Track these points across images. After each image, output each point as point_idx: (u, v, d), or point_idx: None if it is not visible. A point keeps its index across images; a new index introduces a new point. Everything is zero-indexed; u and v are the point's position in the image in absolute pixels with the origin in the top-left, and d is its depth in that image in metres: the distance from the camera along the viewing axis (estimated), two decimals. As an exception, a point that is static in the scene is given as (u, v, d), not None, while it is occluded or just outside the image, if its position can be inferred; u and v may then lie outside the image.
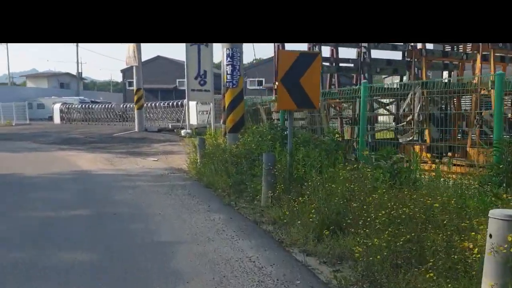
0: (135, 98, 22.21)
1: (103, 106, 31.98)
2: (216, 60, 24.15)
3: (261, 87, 52.88)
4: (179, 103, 26.18)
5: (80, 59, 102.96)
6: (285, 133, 8.24)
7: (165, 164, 12.33)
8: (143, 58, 22.76)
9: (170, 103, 27.33)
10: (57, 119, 33.28)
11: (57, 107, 33.67)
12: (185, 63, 21.62)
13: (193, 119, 23.54)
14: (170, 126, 23.58)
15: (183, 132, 21.97)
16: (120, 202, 7.25)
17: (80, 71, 62.28)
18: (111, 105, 31.71)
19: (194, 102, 23.59)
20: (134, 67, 22.08)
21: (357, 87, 8.93)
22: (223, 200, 7.30)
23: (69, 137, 20.90)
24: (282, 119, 8.67)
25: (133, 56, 21.63)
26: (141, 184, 8.79)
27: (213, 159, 9.07)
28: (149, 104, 27.38)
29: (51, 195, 7.84)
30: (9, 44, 61.78)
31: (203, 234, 5.35)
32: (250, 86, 54.40)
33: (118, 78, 75.23)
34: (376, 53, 13.30)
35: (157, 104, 28.49)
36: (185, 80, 22.02)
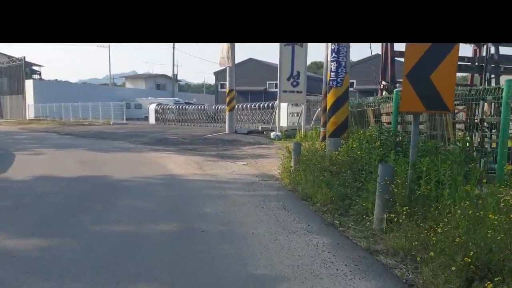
0: (227, 99, 21.59)
1: (196, 107, 31.90)
2: (310, 60, 22.77)
3: (352, 88, 50.80)
4: (270, 104, 25.31)
5: (176, 61, 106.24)
6: (399, 139, 6.94)
7: (255, 170, 11.39)
8: (236, 61, 22.13)
9: (260, 105, 26.55)
10: (152, 119, 33.69)
11: (152, 107, 34.11)
12: (278, 64, 20.70)
13: (283, 121, 22.57)
14: (260, 128, 22.75)
15: (272, 134, 21.06)
16: (209, 216, 6.33)
17: (175, 73, 63.57)
18: (204, 107, 31.56)
19: (285, 104, 22.58)
20: (227, 68, 21.47)
21: (480, 87, 7.47)
22: (324, 218, 6.15)
23: (162, 138, 20.68)
24: (394, 122, 7.34)
25: (227, 56, 21.03)
26: (231, 194, 7.85)
27: (310, 166, 7.95)
28: (239, 106, 26.78)
29: (138, 204, 7.12)
30: (111, 47, 64.42)
31: (307, 267, 4.24)
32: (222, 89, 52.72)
33: (211, 80, 76.26)
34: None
35: (247, 105, 27.84)
36: (278, 81, 21.13)
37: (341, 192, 6.49)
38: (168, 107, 33.87)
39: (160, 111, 33.61)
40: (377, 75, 13.47)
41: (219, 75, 55.62)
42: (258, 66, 55.27)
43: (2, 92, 47.27)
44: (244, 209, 6.72)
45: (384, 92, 11.89)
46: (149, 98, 47.73)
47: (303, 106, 21.89)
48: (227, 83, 21.61)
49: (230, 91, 21.48)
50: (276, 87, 53.61)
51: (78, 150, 15.32)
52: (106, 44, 71.29)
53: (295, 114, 23.49)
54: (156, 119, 33.44)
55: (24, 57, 43.44)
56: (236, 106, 27.79)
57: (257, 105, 26.63)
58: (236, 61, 31.13)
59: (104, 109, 34.57)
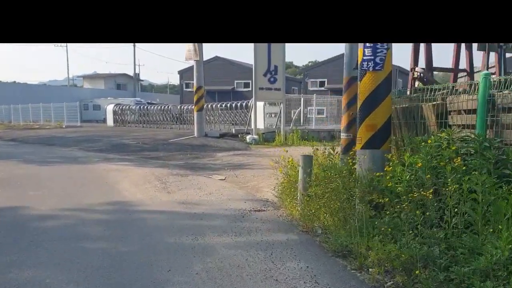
0: (195, 98, 18.54)
1: (159, 107, 28.68)
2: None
3: (323, 88, 48.61)
4: (243, 104, 22.37)
5: (138, 61, 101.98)
6: (498, 153, 4.13)
7: (239, 188, 8.51)
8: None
9: (232, 105, 23.57)
10: (110, 122, 30.26)
11: (110, 108, 30.66)
12: (254, 58, 17.82)
13: (260, 123, 19.67)
14: (233, 131, 19.80)
15: (248, 138, 18.20)
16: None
17: (137, 72, 59.80)
18: (168, 107, 28.36)
19: (261, 103, 19.70)
20: (194, 63, 18.43)
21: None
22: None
23: (119, 143, 17.50)
24: (481, 125, 4.49)
25: (194, 49, 17.98)
26: (214, 243, 4.86)
27: (334, 193, 5.11)
28: (208, 106, 23.75)
29: (51, 279, 3.96)
30: (70, 47, 60.33)
31: None
32: (312, 87, 50.40)
33: (176, 81, 72.75)
34: None
35: (216, 105, 24.84)
36: (253, 77, 18.29)
37: (421, 252, 3.61)
38: (128, 107, 30.50)
39: (119, 112, 30.19)
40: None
41: (184, 74, 52.37)
42: (225, 64, 52.16)
43: None
44: (243, 283, 3.79)
45: (417, 83, 9.24)
46: (109, 98, 44.11)
47: (282, 105, 19.08)
48: (194, 79, 18.58)
49: (198, 88, 18.45)
50: (245, 87, 51.07)
51: (10, 161, 12.01)
52: (64, 44, 66.98)
53: (273, 115, 20.64)
54: (115, 121, 30.01)
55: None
56: (206, 106, 24.83)
57: (228, 105, 23.63)
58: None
59: (57, 110, 30.92)
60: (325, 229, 5.14)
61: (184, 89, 53.04)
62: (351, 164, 5.42)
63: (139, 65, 78.43)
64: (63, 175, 9.59)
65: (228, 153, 14.91)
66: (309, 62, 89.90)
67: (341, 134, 6.39)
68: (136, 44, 58.00)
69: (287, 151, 7.79)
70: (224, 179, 9.67)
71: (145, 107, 29.94)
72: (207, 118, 24.25)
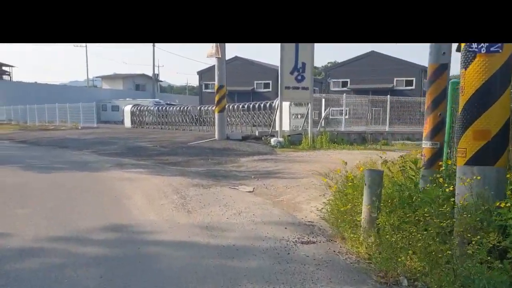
0: (216, 98, 17.03)
1: (178, 108, 27.25)
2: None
3: (345, 88, 46.82)
4: (267, 104, 20.78)
5: (158, 62, 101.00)
6: None
7: (271, 203, 6.96)
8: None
9: (255, 105, 21.99)
10: (127, 123, 28.91)
11: (127, 109, 29.29)
12: (280, 55, 16.27)
13: (285, 125, 18.07)
14: (256, 133, 18.23)
15: (273, 140, 16.65)
16: None
17: (156, 73, 58.64)
18: (187, 108, 26.91)
19: (287, 103, 18.10)
20: (216, 61, 16.91)
21: None
22: None
23: (135, 146, 16.08)
24: None
25: (216, 46, 16.48)
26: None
27: (421, 227, 3.54)
28: (230, 107, 22.23)
29: None
30: (90, 48, 59.51)
31: None
32: (334, 87, 48.74)
33: (195, 82, 71.51)
34: None
35: (238, 106, 23.29)
36: (279, 76, 16.75)
37: None
38: (146, 108, 29.13)
39: (137, 113, 28.81)
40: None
41: (204, 74, 51.07)
42: (245, 65, 50.63)
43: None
44: None
45: None
46: (128, 99, 42.94)
47: (309, 105, 17.48)
48: (215, 78, 17.07)
49: (220, 87, 16.94)
50: (265, 88, 49.46)
51: (9, 167, 10.58)
52: (84, 44, 66.18)
53: (299, 116, 19.04)
54: (132, 122, 28.65)
55: (-14, 54, 38.11)
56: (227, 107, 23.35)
57: (250, 106, 22.05)
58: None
59: (73, 111, 29.69)
60: (412, 279, 3.55)
61: (204, 90, 51.71)
62: (446, 185, 3.79)
63: (158, 66, 77.40)
64: (65, 185, 8.10)
65: (253, 158, 13.37)
66: (328, 62, 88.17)
67: (424, 142, 4.75)
68: (156, 44, 56.84)
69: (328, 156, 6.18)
70: (253, 191, 8.13)
71: (164, 108, 28.57)
72: (228, 119, 22.77)
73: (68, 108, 29.89)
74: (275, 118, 17.99)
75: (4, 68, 53.70)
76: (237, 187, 8.41)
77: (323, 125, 19.39)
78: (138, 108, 29.14)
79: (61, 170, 10.11)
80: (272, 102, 19.99)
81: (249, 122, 22.72)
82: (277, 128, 17.31)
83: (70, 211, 6.13)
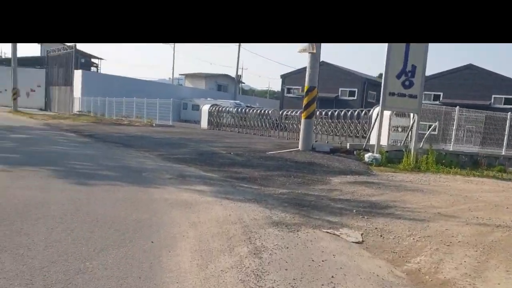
0: (305, 101, 14.14)
1: (257, 111, 24.71)
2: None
3: (437, 102, 42.23)
4: (361, 113, 17.60)
5: (242, 64, 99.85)
6: None
7: (407, 279, 4.01)
8: (304, 64, 14.76)
9: (348, 113, 18.86)
10: (204, 123, 26.81)
11: (205, 109, 27.19)
12: (386, 55, 13.17)
13: (383, 138, 14.85)
14: (348, 146, 15.15)
15: (367, 156, 13.53)
16: None
17: (239, 74, 56.75)
18: (267, 111, 24.30)
19: (387, 114, 14.88)
20: (308, 57, 14.03)
21: None
22: None
23: (207, 151, 13.62)
24: None
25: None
26: None
27: None
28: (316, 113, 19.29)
29: None
30: (178, 48, 58.96)
31: None
32: (424, 100, 44.20)
33: (276, 87, 69.29)
34: None
35: (326, 112, 20.27)
36: (382, 79, 13.66)
37: None
38: (224, 109, 26.87)
39: (215, 113, 26.63)
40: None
41: (287, 78, 48.42)
42: (330, 70, 47.29)
43: (51, 83, 42.07)
44: None
45: None
46: (208, 99, 41.25)
47: (416, 117, 14.17)
48: (306, 77, 14.18)
49: (310, 89, 14.05)
50: (350, 95, 45.97)
51: (47, 171, 8.30)
52: (172, 43, 65.90)
53: (399, 129, 15.76)
54: (209, 123, 26.50)
55: (75, 45, 37.72)
56: (297, 112, 20.46)
57: (342, 113, 18.93)
58: (304, 64, 24.57)
59: (150, 107, 28.00)
60: None
61: (285, 94, 49.01)
62: None
63: (242, 68, 75.62)
64: (92, 212, 5.52)
65: (346, 178, 10.40)
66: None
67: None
68: (242, 45, 55.11)
69: None
70: (362, 243, 5.22)
71: (243, 110, 26.19)
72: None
73: (146, 104, 28.27)
74: (371, 130, 14.83)
75: (93, 60, 54.16)
76: (337, 232, 5.52)
77: (428, 141, 15.94)
78: (217, 108, 26.97)
79: (102, 181, 7.66)
80: (368, 110, 16.83)
81: (333, 132, 19.69)
82: (374, 142, 14.18)
83: (75, 273, 3.51)
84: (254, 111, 25.29)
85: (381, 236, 5.56)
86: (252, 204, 6.70)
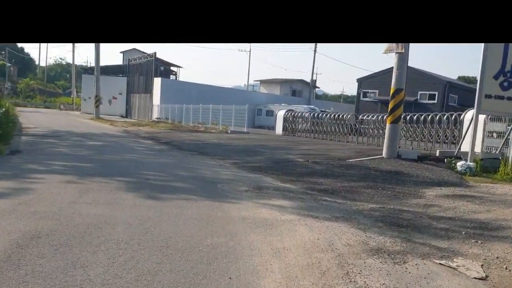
0: (391, 104, 12.94)
1: (333, 116, 23.56)
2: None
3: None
4: (451, 117, 16.02)
5: (316, 69, 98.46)
6: None
7: None
8: (381, 67, 13.61)
9: (436, 117, 17.31)
10: (279, 129, 26.05)
11: (280, 114, 26.45)
12: (482, 55, 11.70)
13: (476, 145, 13.26)
14: (437, 153, 13.67)
15: (460, 165, 12.07)
16: None
17: (314, 78, 55.57)
18: (343, 115, 23.10)
19: (482, 118, 13.28)
20: (395, 58, 12.86)
21: None
22: None
23: (283, 159, 12.82)
24: None
25: (396, 39, 12.46)
26: None
27: None
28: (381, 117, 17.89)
29: None
30: (253, 54, 58.94)
31: None
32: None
33: (350, 91, 67.45)
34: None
35: (410, 117, 18.78)
36: (478, 80, 12.17)
37: None
38: (299, 114, 25.94)
39: (290, 119, 25.78)
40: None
41: (363, 82, 46.63)
42: (409, 73, 44.93)
43: (132, 91, 43.21)
44: None
45: None
46: (283, 104, 40.52)
47: (516, 121, 12.53)
48: (393, 79, 13.02)
49: (397, 91, 12.85)
50: (430, 99, 43.36)
51: (118, 183, 7.80)
52: (248, 49, 66.02)
53: (494, 135, 14.07)
54: (284, 128, 25.69)
55: (155, 53, 38.45)
56: (378, 117, 19.10)
57: (429, 117, 17.38)
58: (383, 67, 22.89)
59: (226, 113, 27.64)
60: None
61: (361, 98, 47.19)
62: None
63: (316, 73, 74.30)
64: (162, 235, 4.72)
65: (441, 190, 9.14)
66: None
67: None
68: (317, 49, 53.97)
69: None
70: (486, 279, 4.11)
71: (319, 115, 25.13)
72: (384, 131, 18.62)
73: (221, 110, 27.96)
74: (464, 136, 13.30)
75: (172, 68, 55.22)
76: (452, 263, 4.44)
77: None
78: (292, 114, 26.12)
79: (176, 194, 7.00)
80: (459, 115, 15.24)
81: (419, 137, 18.15)
82: (467, 149, 12.65)
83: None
84: (330, 115, 24.18)
85: (506, 268, 4.41)
86: (341, 223, 5.74)
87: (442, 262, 4.46)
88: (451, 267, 4.35)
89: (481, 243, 5.31)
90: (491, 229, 6.06)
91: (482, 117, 12.93)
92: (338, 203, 7.20)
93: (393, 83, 12.77)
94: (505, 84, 12.04)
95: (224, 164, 11.77)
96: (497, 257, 4.77)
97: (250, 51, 59.10)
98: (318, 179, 9.60)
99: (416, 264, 4.31)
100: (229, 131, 24.87)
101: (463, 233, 5.74)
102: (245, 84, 73.72)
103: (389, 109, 12.99)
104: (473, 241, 5.38)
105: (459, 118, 15.23)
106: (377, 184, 9.28)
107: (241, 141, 19.09)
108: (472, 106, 13.17)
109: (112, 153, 12.59)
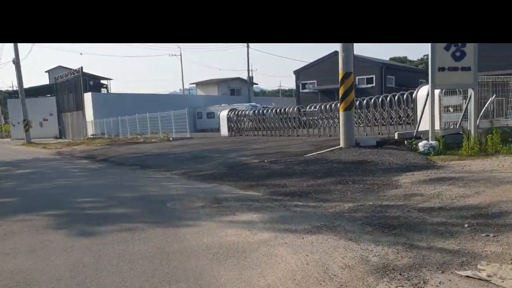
0: (341, 90, 12.09)
1: (278, 110, 22.69)
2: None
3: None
4: (402, 97, 15.50)
5: (251, 66, 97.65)
6: None
7: None
8: (317, 56, 12.82)
9: (387, 99, 16.76)
10: (224, 131, 24.92)
11: (223, 115, 25.31)
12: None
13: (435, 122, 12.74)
14: (396, 136, 13.02)
15: (421, 145, 11.52)
16: None
17: (251, 75, 54.72)
18: (290, 109, 22.28)
19: (436, 93, 12.76)
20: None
21: None
22: None
23: (237, 162, 11.74)
24: None
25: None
26: None
27: None
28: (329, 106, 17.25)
29: None
30: (184, 57, 57.28)
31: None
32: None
33: (287, 85, 67.20)
34: None
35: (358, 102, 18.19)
36: (429, 55, 11.64)
37: None
38: (243, 113, 24.93)
39: (234, 118, 24.70)
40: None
41: (301, 73, 46.26)
42: (344, 59, 45.05)
43: (63, 109, 40.58)
44: None
45: None
46: (223, 105, 39.39)
47: (472, 93, 12.03)
48: (339, 63, 12.12)
49: (346, 75, 12.00)
50: (368, 83, 43.64)
51: (43, 218, 6.38)
52: (178, 52, 64.27)
53: (450, 109, 13.62)
54: (230, 129, 24.58)
55: (81, 67, 36.17)
56: (326, 106, 18.53)
57: (380, 100, 16.79)
58: (319, 56, 22.37)
59: (165, 120, 26.14)
60: None
61: (301, 91, 46.81)
62: None
63: (251, 70, 73.50)
64: None
65: (413, 175, 8.41)
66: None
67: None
68: (250, 45, 53.11)
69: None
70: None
71: (262, 111, 24.20)
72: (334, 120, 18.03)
73: (160, 118, 26.43)
74: (422, 114, 12.71)
75: (102, 81, 52.77)
76: (479, 272, 3.51)
77: (484, 119, 13.77)
78: (236, 113, 25.04)
79: (117, 224, 5.68)
80: (411, 93, 14.70)
81: (371, 122, 17.61)
82: (427, 127, 12.07)
83: None
84: (274, 110, 23.31)
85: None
86: (326, 235, 4.71)
87: (469, 273, 3.51)
88: (482, 279, 3.41)
89: (494, 236, 4.46)
90: (493, 216, 5.24)
91: (437, 92, 12.38)
92: (312, 208, 6.19)
93: (340, 67, 11.95)
94: (457, 54, 11.53)
95: (172, 176, 10.51)
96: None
97: (181, 55, 57.22)
98: (280, 181, 8.58)
99: (440, 283, 3.33)
100: (171, 139, 23.44)
101: (466, 226, 4.88)
102: (180, 89, 71.80)
103: (340, 96, 12.16)
104: (483, 235, 4.51)
105: (411, 97, 14.70)
106: (345, 178, 8.37)
107: (186, 147, 17.79)
108: (410, 86, 12.72)
109: (42, 181, 10.99)
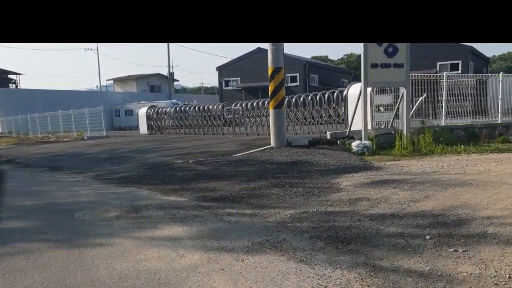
0: (271, 87, 11.37)
1: (202, 108, 21.65)
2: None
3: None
4: (332, 95, 15.09)
5: (171, 62, 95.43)
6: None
7: None
8: (241, 52, 12.13)
9: (317, 97, 16.27)
10: (143, 128, 23.48)
11: (142, 112, 23.86)
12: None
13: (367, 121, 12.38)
14: (328, 136, 12.49)
15: (355, 145, 11.14)
16: None
17: (171, 71, 52.99)
18: (211, 106, 21.31)
19: (368, 91, 12.40)
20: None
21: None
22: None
23: (157, 163, 10.67)
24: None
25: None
26: None
27: None
28: (252, 104, 16.61)
29: None
30: (100, 51, 54.58)
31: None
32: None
33: (209, 82, 66.21)
34: None
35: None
36: (361, 52, 11.23)
37: None
38: (163, 110, 23.62)
39: (154, 116, 23.33)
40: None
41: (223, 70, 45.29)
42: (266, 57, 44.71)
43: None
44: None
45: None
46: (142, 102, 37.65)
47: (404, 91, 11.78)
48: (269, 58, 11.45)
49: (276, 71, 11.32)
50: (292, 81, 43.63)
51: None
52: (94, 47, 61.19)
53: (381, 109, 13.36)
54: (149, 127, 23.16)
55: (-14, 61, 32.90)
56: (253, 104, 17.90)
57: (309, 98, 16.26)
58: (242, 53, 21.81)
59: (79, 118, 24.18)
60: None
61: (224, 88, 45.89)
62: None
63: (172, 66, 71.37)
64: None
65: (353, 178, 7.87)
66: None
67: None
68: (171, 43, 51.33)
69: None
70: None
71: (184, 108, 23.03)
72: (260, 119, 17.43)
73: (73, 115, 24.40)
74: (354, 113, 12.28)
75: (10, 76, 48.74)
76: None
77: (415, 118, 13.63)
78: (156, 110, 23.67)
79: (9, 245, 4.45)
80: (342, 91, 14.30)
81: (300, 121, 17.12)
82: (359, 127, 11.68)
83: None
84: (196, 108, 22.24)
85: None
86: (272, 256, 3.86)
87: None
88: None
89: (464, 252, 3.85)
90: (453, 225, 4.69)
91: (368, 90, 12.01)
92: (249, 216, 5.33)
93: (269, 62, 11.25)
94: (390, 49, 11.22)
95: (84, 179, 9.22)
96: (508, 276, 3.30)
97: (97, 49, 54.32)
98: (208, 184, 7.65)
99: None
100: (85, 137, 21.62)
101: (427, 237, 4.28)
102: (97, 86, 68.31)
103: (270, 93, 11.44)
104: (450, 250, 3.90)
105: (341, 95, 14.30)
106: (281, 181, 7.62)
107: (101, 147, 16.29)
108: (333, 85, 12.36)
109: None
